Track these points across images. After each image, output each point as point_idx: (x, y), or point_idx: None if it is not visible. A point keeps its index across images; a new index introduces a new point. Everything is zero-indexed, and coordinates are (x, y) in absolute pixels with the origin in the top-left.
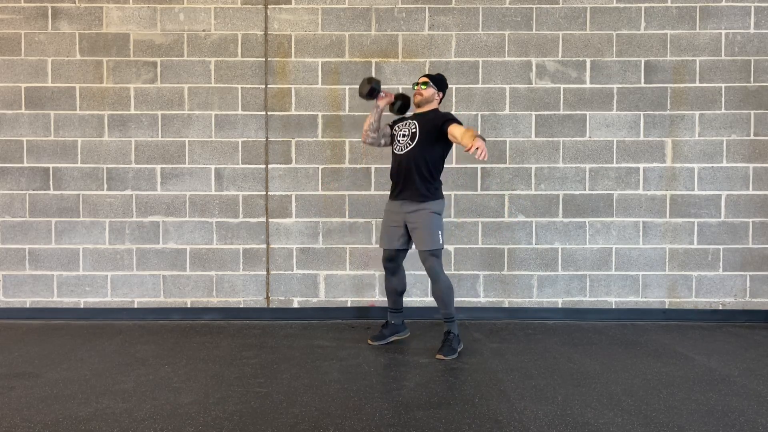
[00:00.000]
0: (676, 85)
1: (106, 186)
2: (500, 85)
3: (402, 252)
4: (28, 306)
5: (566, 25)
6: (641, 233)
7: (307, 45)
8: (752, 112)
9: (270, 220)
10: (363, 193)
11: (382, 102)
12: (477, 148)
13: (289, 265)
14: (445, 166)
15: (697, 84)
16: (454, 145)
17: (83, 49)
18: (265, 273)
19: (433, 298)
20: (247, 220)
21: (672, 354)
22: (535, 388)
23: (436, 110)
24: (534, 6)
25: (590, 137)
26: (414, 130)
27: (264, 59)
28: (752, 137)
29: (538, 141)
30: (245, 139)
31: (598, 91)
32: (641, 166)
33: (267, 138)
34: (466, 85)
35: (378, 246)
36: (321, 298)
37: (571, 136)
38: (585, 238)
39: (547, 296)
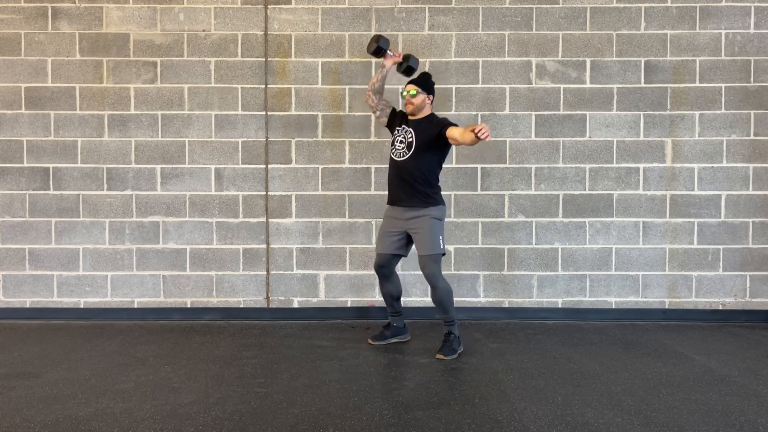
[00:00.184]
0: (676, 85)
1: (106, 186)
2: (500, 85)
3: (395, 258)
4: (28, 306)
5: (566, 25)
6: (641, 233)
7: (307, 45)
8: (752, 112)
9: (270, 220)
10: (363, 193)
11: (388, 62)
12: (481, 129)
13: (289, 265)
14: (445, 165)
15: (697, 84)
16: (453, 147)
17: (83, 49)
18: (265, 273)
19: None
20: (247, 220)
21: (672, 354)
22: (535, 388)
23: (431, 116)
24: (534, 6)
25: (590, 137)
26: (410, 139)
27: (264, 59)
28: (752, 137)
29: (538, 141)
30: (245, 139)
31: (598, 91)
32: (641, 166)
33: (267, 138)
34: (466, 85)
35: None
36: (321, 298)
37: (571, 136)
38: (585, 238)
39: (547, 296)
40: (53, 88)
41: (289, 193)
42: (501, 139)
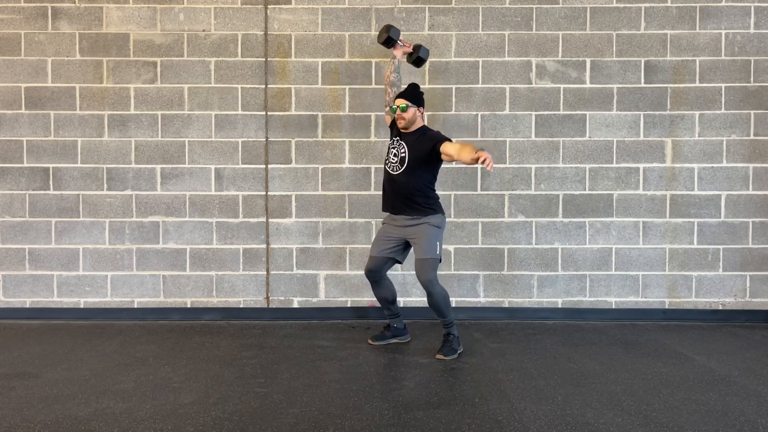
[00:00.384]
0: (676, 85)
1: (106, 186)
2: (500, 85)
3: (388, 262)
4: (28, 306)
5: (566, 25)
6: (641, 233)
7: (307, 45)
8: (752, 112)
9: (270, 220)
10: (363, 193)
11: (398, 52)
12: (486, 159)
13: (289, 265)
14: (445, 165)
15: (697, 84)
16: None
17: (83, 49)
18: (265, 273)
19: None
20: (247, 220)
21: (672, 354)
22: (535, 388)
23: (423, 130)
24: (534, 6)
25: (590, 137)
26: (403, 154)
27: (264, 59)
28: (752, 137)
29: (538, 141)
30: (245, 139)
31: (598, 91)
32: (641, 166)
33: (267, 138)
34: (466, 85)
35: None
36: (321, 298)
37: (571, 136)
38: (585, 238)
39: (547, 296)
40: (53, 88)
41: (289, 193)
42: (501, 139)
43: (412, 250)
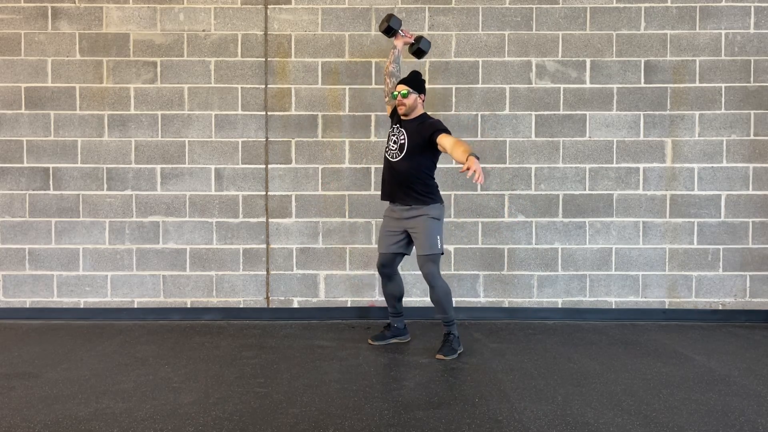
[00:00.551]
0: (676, 85)
1: (106, 186)
2: (500, 85)
3: (398, 257)
4: (28, 306)
5: (566, 25)
6: (641, 233)
7: (307, 45)
8: (752, 112)
9: (270, 220)
10: (363, 193)
11: (399, 42)
12: (474, 172)
13: (289, 265)
14: (445, 165)
15: (697, 84)
16: None
17: (83, 49)
18: (265, 273)
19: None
20: (247, 220)
21: (672, 354)
22: (535, 388)
23: (423, 117)
24: (534, 6)
25: (590, 137)
26: (403, 141)
27: (264, 59)
28: (752, 137)
29: (538, 141)
30: (245, 139)
31: (598, 91)
32: (641, 166)
33: (267, 138)
34: (466, 85)
35: (377, 246)
36: (321, 298)
37: (571, 136)
38: (585, 238)
39: (547, 296)
40: (53, 88)
41: (289, 193)
42: (501, 139)
43: None
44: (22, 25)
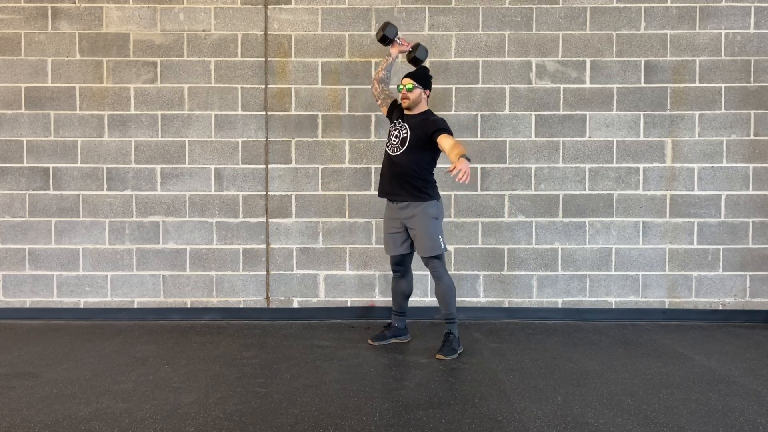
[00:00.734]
0: (676, 85)
1: (106, 186)
2: (500, 85)
3: (408, 256)
4: (28, 306)
5: (566, 25)
6: (641, 233)
7: (307, 45)
8: (752, 112)
9: (270, 220)
10: (363, 193)
11: (394, 50)
12: (459, 170)
13: (289, 265)
14: (446, 165)
15: (697, 84)
16: None
17: (83, 49)
18: (265, 273)
19: (434, 298)
20: (247, 220)
21: (672, 354)
22: (535, 388)
23: (427, 114)
24: (534, 6)
25: (590, 137)
26: (405, 135)
27: (264, 59)
28: (752, 137)
29: (538, 141)
30: (245, 139)
31: (598, 91)
32: (641, 166)
33: (267, 138)
34: (466, 85)
35: (377, 246)
36: (321, 298)
37: (571, 136)
38: (585, 238)
39: (547, 296)
40: (53, 88)
41: (289, 193)
42: (501, 139)
43: None
44: (22, 25)
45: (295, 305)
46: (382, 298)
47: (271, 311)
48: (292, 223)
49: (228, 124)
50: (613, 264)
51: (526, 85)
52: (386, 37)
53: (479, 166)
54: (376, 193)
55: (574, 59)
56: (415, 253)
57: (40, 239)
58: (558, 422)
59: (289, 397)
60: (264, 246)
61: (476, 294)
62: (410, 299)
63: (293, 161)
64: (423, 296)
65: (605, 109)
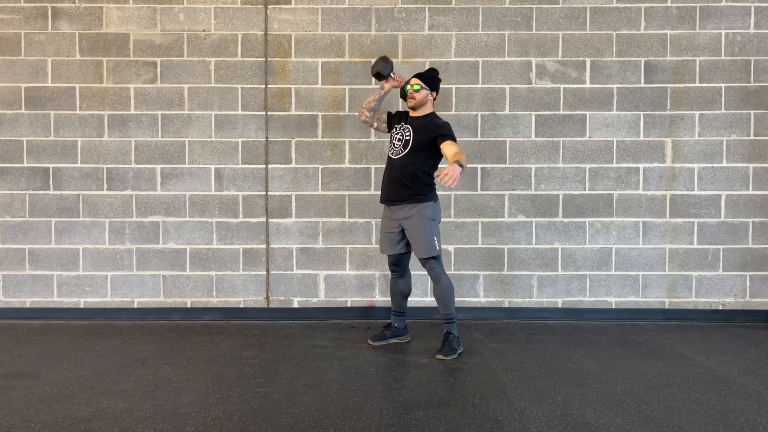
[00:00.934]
0: (676, 85)
1: (106, 186)
2: (500, 85)
3: (405, 255)
4: (28, 306)
5: (566, 25)
6: (641, 233)
7: (307, 45)
8: (752, 112)
9: (270, 220)
10: (363, 193)
11: (388, 85)
12: (447, 175)
13: (289, 265)
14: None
15: (697, 84)
16: None
17: (83, 49)
18: (265, 273)
19: (433, 298)
20: (247, 220)
21: (672, 354)
22: (535, 388)
23: (432, 117)
24: (534, 6)
25: (590, 137)
26: (408, 137)
27: (264, 59)
28: (752, 137)
29: (538, 141)
30: (245, 139)
31: (598, 91)
32: (641, 166)
33: (267, 138)
34: (466, 85)
35: (377, 246)
36: (321, 298)
37: (571, 136)
38: (585, 238)
39: (547, 296)
40: (53, 88)
41: (289, 193)
42: (501, 139)
43: None
44: (22, 25)
45: (295, 305)
46: (382, 298)
47: (271, 311)
48: (292, 223)
49: (228, 124)
50: (613, 264)
51: (526, 85)
52: (382, 75)
53: (479, 166)
54: (376, 192)
55: (574, 59)
56: (413, 254)
57: (40, 239)
58: (558, 422)
59: (289, 397)
60: (264, 246)
61: (476, 294)
62: (410, 299)
63: (293, 161)
64: (423, 296)
65: (605, 109)
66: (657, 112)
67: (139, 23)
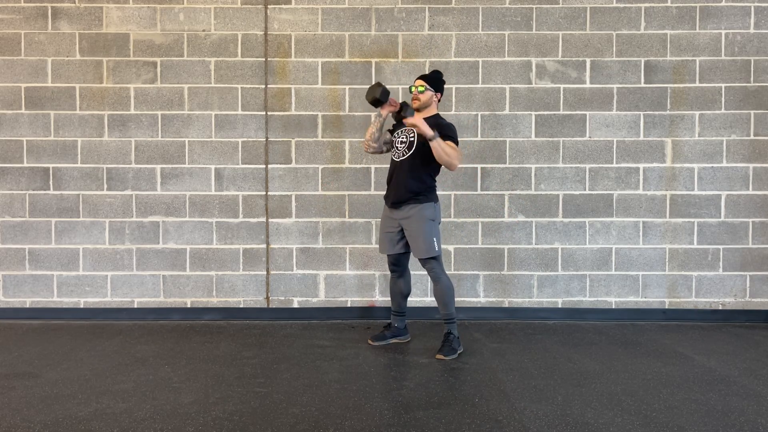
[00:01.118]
0: (676, 85)
1: (106, 186)
2: (500, 85)
3: (405, 255)
4: (28, 306)
5: (566, 25)
6: (641, 233)
7: (307, 45)
8: (752, 112)
9: (270, 220)
10: (363, 193)
11: (386, 111)
12: (414, 120)
13: (289, 265)
14: None
15: (697, 84)
16: None
17: (83, 49)
18: (265, 273)
19: (433, 298)
20: (247, 220)
21: (672, 354)
22: (535, 388)
23: (436, 118)
24: (534, 6)
25: (590, 137)
26: (412, 138)
27: (264, 59)
28: (752, 137)
29: (538, 141)
30: (245, 139)
31: (598, 91)
32: (641, 166)
33: (267, 138)
34: (466, 85)
35: (377, 246)
36: (321, 298)
37: (571, 136)
38: (585, 238)
39: (547, 296)
40: (53, 88)
41: (289, 193)
42: (501, 139)
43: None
44: (22, 25)
45: (295, 305)
46: (381, 298)
47: (271, 311)
48: (292, 223)
49: (228, 124)
50: (613, 264)
51: (526, 85)
52: (379, 101)
53: (479, 166)
54: (376, 192)
55: (574, 59)
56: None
57: (40, 239)
58: (558, 422)
59: (289, 397)
60: (264, 246)
61: (476, 294)
62: (410, 299)
63: (293, 161)
64: (423, 296)
65: (605, 109)
66: (657, 112)
67: (139, 23)
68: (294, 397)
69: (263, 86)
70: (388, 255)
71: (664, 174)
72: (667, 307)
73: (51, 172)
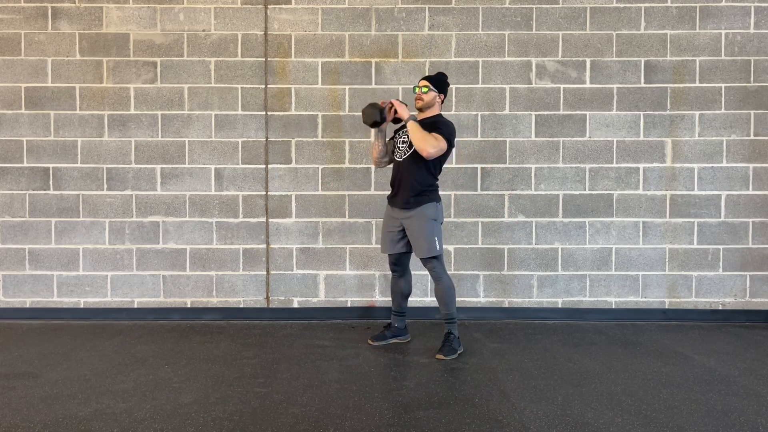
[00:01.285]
0: (676, 85)
1: (106, 186)
2: (500, 85)
3: (405, 255)
4: (28, 306)
5: (566, 25)
6: (641, 233)
7: (307, 45)
8: (752, 112)
9: (270, 220)
10: (363, 193)
11: (384, 125)
12: (392, 104)
13: (289, 265)
14: (445, 165)
15: (697, 84)
16: (454, 149)
17: (83, 49)
18: (265, 273)
19: (434, 298)
20: (247, 220)
21: (672, 354)
22: (535, 388)
23: (437, 117)
24: (534, 6)
25: (590, 137)
26: None
27: (264, 59)
28: (752, 137)
29: (538, 141)
30: (245, 139)
31: (598, 91)
32: (641, 166)
33: (267, 138)
34: (466, 85)
35: (378, 246)
36: (321, 298)
37: (571, 136)
38: (585, 238)
39: (547, 296)
40: (53, 88)
41: (289, 193)
42: (501, 139)
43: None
44: (22, 25)
45: (295, 305)
46: (382, 298)
47: (271, 311)
48: (292, 223)
49: (228, 124)
50: (613, 264)
51: (526, 85)
52: (377, 123)
53: (479, 166)
54: (376, 192)
55: (574, 59)
56: (413, 254)
57: (40, 239)
58: (558, 422)
59: (289, 397)
60: (264, 246)
61: (476, 294)
62: (410, 299)
63: (293, 161)
64: (423, 296)
65: (605, 109)
66: (657, 112)
67: (139, 23)
68: (294, 397)
69: (263, 86)
70: (389, 254)
71: (664, 174)
72: (667, 307)
73: (51, 172)
